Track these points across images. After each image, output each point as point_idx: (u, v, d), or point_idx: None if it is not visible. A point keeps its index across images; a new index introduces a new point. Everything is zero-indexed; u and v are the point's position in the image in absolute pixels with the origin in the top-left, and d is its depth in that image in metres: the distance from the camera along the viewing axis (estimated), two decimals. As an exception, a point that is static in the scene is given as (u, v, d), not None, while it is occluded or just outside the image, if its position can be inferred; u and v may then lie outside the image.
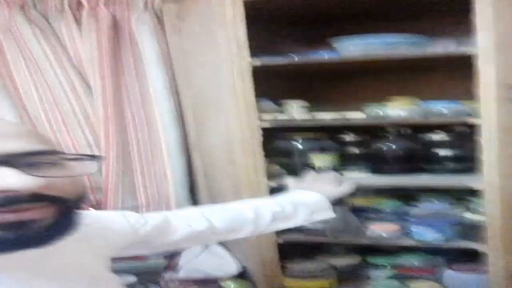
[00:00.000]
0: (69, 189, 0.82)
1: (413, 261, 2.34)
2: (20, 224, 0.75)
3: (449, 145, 2.27)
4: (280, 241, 2.30)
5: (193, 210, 1.62)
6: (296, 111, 2.26)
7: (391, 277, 2.34)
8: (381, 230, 2.26)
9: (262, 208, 1.68)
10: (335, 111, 2.21)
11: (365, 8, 2.23)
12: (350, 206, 2.32)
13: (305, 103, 2.29)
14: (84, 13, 2.32)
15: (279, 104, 2.29)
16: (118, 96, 2.39)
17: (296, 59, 2.16)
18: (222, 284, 2.28)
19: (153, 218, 1.43)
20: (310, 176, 2.00)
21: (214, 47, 2.17)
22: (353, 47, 2.11)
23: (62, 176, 0.81)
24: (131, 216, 1.36)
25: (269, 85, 2.22)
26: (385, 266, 2.38)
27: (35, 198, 0.76)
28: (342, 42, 2.13)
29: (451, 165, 2.26)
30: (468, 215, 2.21)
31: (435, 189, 2.31)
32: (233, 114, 2.17)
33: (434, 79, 2.40)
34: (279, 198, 1.79)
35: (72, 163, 0.85)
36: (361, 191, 2.33)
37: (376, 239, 2.27)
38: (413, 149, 2.32)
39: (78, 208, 0.85)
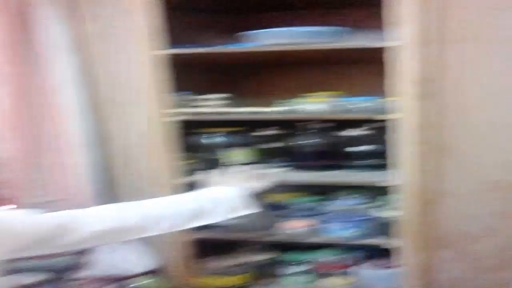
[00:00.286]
0: None
1: (328, 257, 2.36)
2: None
3: (363, 141, 2.27)
4: (195, 238, 2.29)
5: (107, 207, 1.58)
6: (214, 104, 2.23)
7: (305, 273, 2.36)
8: (296, 227, 2.27)
9: (176, 205, 1.68)
10: (256, 105, 2.20)
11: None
12: (267, 203, 2.32)
13: (225, 96, 2.26)
14: None
15: (198, 98, 2.25)
16: (28, 85, 2.31)
17: (212, 49, 2.12)
18: (136, 281, 2.25)
19: (58, 216, 1.40)
20: (228, 171, 2.01)
21: (128, 35, 2.14)
22: (270, 38, 2.07)
23: None
24: (35, 214, 1.34)
25: (190, 78, 2.20)
26: (300, 263, 2.38)
27: None
28: (260, 33, 2.09)
29: (368, 161, 2.27)
30: (381, 211, 2.23)
31: (352, 185, 2.31)
32: (147, 106, 2.13)
33: (352, 74, 2.39)
34: (198, 194, 1.79)
35: None
36: (279, 187, 2.34)
37: (291, 235, 2.27)
38: (328, 145, 2.32)
39: None
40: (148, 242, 2.33)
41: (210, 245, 2.38)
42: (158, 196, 1.76)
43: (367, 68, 2.26)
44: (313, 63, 2.39)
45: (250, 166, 2.21)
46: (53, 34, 2.30)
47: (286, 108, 2.20)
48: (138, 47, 2.10)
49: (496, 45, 2.01)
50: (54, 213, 1.42)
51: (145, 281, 2.28)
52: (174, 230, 1.69)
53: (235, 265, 2.37)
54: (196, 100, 2.25)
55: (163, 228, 1.64)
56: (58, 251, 1.54)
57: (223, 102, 2.27)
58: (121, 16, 2.19)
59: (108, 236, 1.53)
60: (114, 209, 1.56)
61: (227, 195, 1.80)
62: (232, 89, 2.34)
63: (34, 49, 2.32)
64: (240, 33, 2.13)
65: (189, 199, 1.74)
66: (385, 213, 2.20)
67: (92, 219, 1.48)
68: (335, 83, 2.29)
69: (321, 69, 2.42)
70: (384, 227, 2.19)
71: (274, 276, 2.41)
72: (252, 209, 1.86)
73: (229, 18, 2.40)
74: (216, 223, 2.03)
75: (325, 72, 2.42)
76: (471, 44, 2.00)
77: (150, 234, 1.63)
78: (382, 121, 2.06)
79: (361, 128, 2.27)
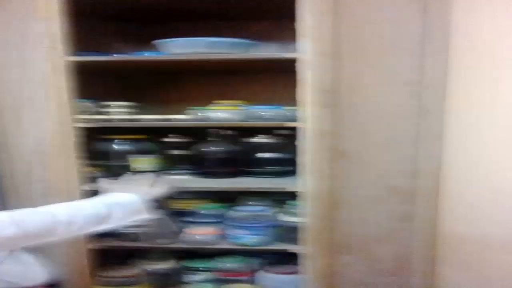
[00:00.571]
0: None
1: (230, 264, 2.35)
2: None
3: (271, 148, 2.31)
4: (93, 247, 2.24)
5: (6, 214, 1.53)
6: (117, 111, 2.21)
7: (208, 281, 2.35)
8: (199, 234, 2.26)
9: (75, 211, 1.67)
10: (161, 113, 2.19)
11: (194, 9, 2.23)
12: (168, 210, 2.29)
13: (129, 104, 2.25)
14: None
15: (102, 105, 2.22)
16: None
17: (116, 57, 2.12)
18: None
19: None
20: (129, 178, 2.02)
21: (28, 41, 2.09)
22: (176, 48, 2.09)
23: None
24: None
25: (94, 85, 2.15)
26: (202, 270, 2.37)
27: None
28: (166, 42, 2.12)
29: (273, 168, 2.31)
30: (287, 218, 2.23)
31: (257, 192, 2.32)
32: (47, 113, 2.07)
33: (261, 83, 2.45)
34: (94, 200, 1.79)
35: None
36: (182, 194, 2.34)
37: (193, 243, 2.26)
38: (236, 152, 2.34)
39: None
40: (48, 252, 2.25)
41: (112, 254, 2.34)
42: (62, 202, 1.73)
43: (274, 78, 2.34)
44: (222, 73, 2.45)
45: (155, 173, 2.19)
46: None
47: (194, 115, 2.21)
48: (41, 54, 2.03)
49: (382, 58, 2.11)
50: None
51: None
52: (70, 236, 1.69)
53: (138, 274, 2.31)
54: (103, 107, 2.22)
55: (60, 234, 1.63)
56: None
57: (130, 109, 2.25)
58: (24, 23, 2.14)
59: (5, 244, 1.54)
60: (12, 216, 1.52)
61: (127, 200, 1.80)
62: (140, 97, 2.34)
63: None
64: (151, 42, 2.13)
65: (86, 205, 1.73)
66: (291, 219, 2.21)
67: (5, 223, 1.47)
68: (244, 92, 2.35)
69: (230, 79, 2.45)
70: (289, 233, 2.20)
71: (178, 284, 2.38)
72: (151, 215, 1.87)
73: (138, 27, 2.42)
74: (117, 231, 2.02)
75: (233, 81, 2.45)
76: (362, 59, 2.09)
77: (48, 240, 1.62)
78: (289, 128, 2.10)
79: (268, 136, 2.30)
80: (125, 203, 1.81)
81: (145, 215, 1.87)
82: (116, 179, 2.04)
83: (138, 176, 2.10)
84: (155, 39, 2.15)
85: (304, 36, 1.94)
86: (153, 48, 2.17)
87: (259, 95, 2.34)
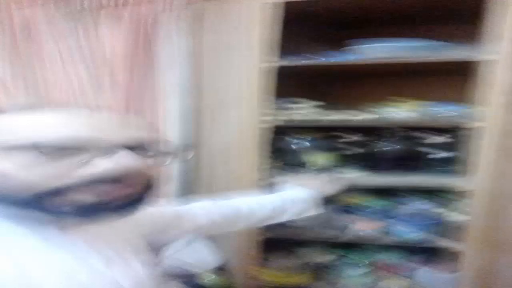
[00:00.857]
0: (145, 176, 1.00)
1: (389, 258, 2.44)
2: (96, 205, 0.93)
3: (445, 148, 2.36)
4: (263, 237, 2.38)
5: (198, 205, 1.72)
6: (307, 111, 2.32)
7: (365, 274, 2.42)
8: (363, 227, 2.35)
9: (255, 205, 1.83)
10: (346, 111, 2.30)
11: (381, 14, 2.35)
12: (337, 204, 2.40)
13: (318, 103, 2.36)
14: (127, 10, 2.40)
15: (292, 104, 2.35)
16: (142, 91, 2.46)
17: (323, 60, 2.25)
18: (202, 277, 2.28)
19: (175, 210, 1.59)
20: (305, 175, 2.15)
21: (243, 47, 2.26)
22: (373, 50, 2.19)
23: (158, 163, 1.02)
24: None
25: (288, 85, 2.29)
26: (361, 264, 2.46)
27: (116, 180, 0.94)
28: (363, 45, 2.21)
29: (443, 166, 2.35)
30: (452, 215, 2.30)
31: (424, 190, 2.40)
32: (248, 111, 2.25)
33: (433, 82, 2.51)
34: (272, 196, 1.94)
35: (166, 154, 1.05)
36: (352, 189, 2.43)
37: (357, 236, 2.34)
38: (408, 150, 2.40)
39: (145, 194, 1.02)
40: (219, 240, 2.39)
41: (277, 243, 2.46)
42: (243, 194, 1.91)
43: (449, 78, 2.39)
44: (402, 73, 2.50)
45: (329, 170, 2.30)
46: (171, 47, 2.44)
47: (373, 115, 2.29)
48: (249, 58, 2.23)
49: None
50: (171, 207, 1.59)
51: (212, 277, 2.33)
52: (250, 227, 1.89)
53: (299, 264, 2.43)
54: (290, 106, 2.35)
55: (241, 225, 1.81)
56: (171, 239, 1.67)
57: (315, 109, 2.36)
58: (237, 30, 2.29)
59: (199, 230, 1.70)
60: (206, 207, 1.71)
61: (301, 197, 1.95)
62: (325, 96, 2.46)
63: (151, 59, 2.47)
64: (343, 46, 2.27)
65: (268, 200, 1.90)
66: (454, 217, 2.28)
67: (192, 215, 1.64)
68: (423, 92, 2.39)
69: (410, 79, 2.53)
70: (451, 231, 2.27)
71: (335, 275, 2.47)
72: (320, 211, 2.02)
73: (331, 32, 2.52)
74: (286, 222, 2.13)
75: (413, 81, 2.53)
76: None
77: (240, 227, 1.82)
78: (462, 129, 2.17)
79: (442, 135, 2.37)
80: (299, 200, 1.94)
81: (315, 212, 2.01)
82: (293, 175, 2.18)
83: (313, 173, 2.23)
84: (343, 43, 2.27)
85: (504, 38, 1.98)
86: (343, 50, 2.28)
87: (437, 95, 2.37)
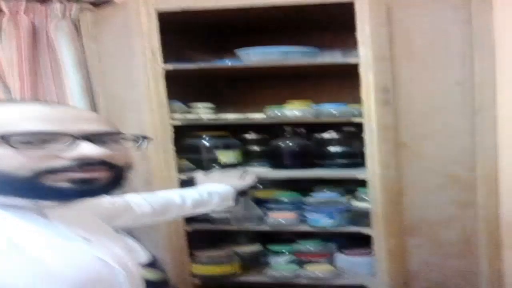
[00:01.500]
0: (123, 160, 1.11)
1: (309, 247, 2.54)
2: (87, 180, 1.04)
3: (338, 142, 2.50)
4: (189, 229, 2.46)
5: (136, 196, 1.86)
6: (203, 111, 2.46)
7: (290, 262, 2.53)
8: (280, 217, 2.45)
9: (186, 196, 1.97)
10: (239, 112, 2.43)
11: (264, 23, 2.47)
12: (252, 198, 2.53)
13: (212, 105, 2.49)
14: (5, 19, 2.44)
15: (188, 106, 2.46)
16: (35, 96, 2.50)
17: (204, 65, 2.39)
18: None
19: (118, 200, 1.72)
20: (217, 171, 2.29)
21: (129, 53, 2.34)
22: (254, 56, 2.35)
23: (120, 150, 1.10)
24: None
25: (181, 89, 2.39)
26: (284, 253, 2.57)
27: (102, 163, 1.05)
28: (245, 51, 2.38)
29: (341, 160, 2.49)
30: (356, 203, 2.42)
31: (328, 181, 2.54)
32: (147, 113, 2.33)
33: (325, 85, 2.67)
34: (198, 188, 2.10)
35: (128, 141, 1.15)
36: (262, 184, 2.58)
37: (276, 225, 2.46)
38: (307, 146, 2.55)
39: (126, 173, 1.13)
40: (144, 234, 2.52)
41: (203, 237, 2.56)
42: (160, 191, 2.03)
43: (338, 79, 2.51)
44: (292, 77, 2.68)
45: (238, 166, 2.45)
46: (59, 53, 2.51)
47: (271, 114, 2.44)
48: (137, 63, 2.33)
49: (434, 60, 2.26)
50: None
51: (147, 272, 2.43)
52: (180, 216, 2.13)
53: (226, 255, 2.51)
54: (190, 107, 2.47)
55: (174, 214, 1.99)
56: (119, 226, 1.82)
57: (214, 110, 2.49)
58: (123, 37, 2.39)
59: (142, 219, 1.86)
60: (144, 197, 1.86)
61: (220, 189, 2.08)
62: (220, 100, 2.59)
63: (42, 65, 2.54)
64: (231, 51, 2.42)
65: (193, 191, 2.04)
66: (361, 204, 2.39)
67: (136, 205, 1.80)
68: (311, 94, 2.56)
69: (299, 83, 2.70)
70: (358, 217, 2.40)
71: (260, 265, 2.58)
72: (237, 202, 2.18)
73: (215, 39, 2.70)
74: (209, 215, 2.30)
75: (302, 85, 2.71)
76: (416, 58, 2.24)
77: (165, 219, 2.01)
78: (354, 124, 2.34)
79: (333, 132, 2.50)
80: (221, 192, 2.08)
81: (233, 203, 2.16)
82: (207, 172, 2.33)
83: (226, 170, 2.37)
84: (231, 49, 2.41)
85: (363, 44, 2.18)
86: (230, 57, 2.44)
87: (325, 96, 2.53)
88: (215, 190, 2.09)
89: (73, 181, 1.02)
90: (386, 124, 2.24)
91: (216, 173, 2.32)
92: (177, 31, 2.33)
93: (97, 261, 1.07)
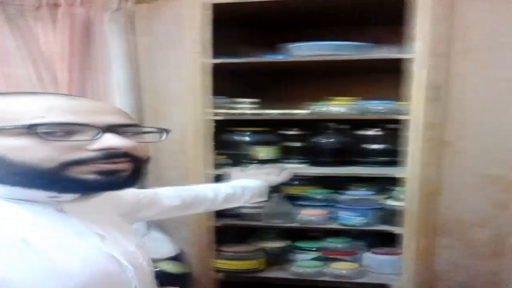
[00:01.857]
0: (143, 151, 1.11)
1: (336, 244, 2.55)
2: (113, 172, 1.03)
3: (378, 140, 2.52)
4: (217, 225, 2.47)
5: (168, 188, 1.84)
6: (246, 107, 2.48)
7: (315, 260, 2.53)
8: (310, 215, 2.47)
9: (219, 190, 1.96)
10: (282, 108, 2.42)
11: (317, 17, 2.49)
12: (286, 194, 2.53)
13: (255, 100, 2.51)
14: (60, 11, 2.45)
15: (232, 101, 2.50)
16: (83, 89, 2.52)
17: (254, 59, 2.40)
18: (159, 265, 2.35)
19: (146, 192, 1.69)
20: (252, 167, 2.29)
21: (179, 46, 2.36)
22: (306, 50, 2.35)
23: (141, 142, 1.10)
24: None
25: (225, 83, 2.40)
26: (311, 250, 2.58)
27: (125, 155, 1.04)
28: (297, 45, 2.37)
29: (378, 158, 2.51)
30: (390, 202, 2.43)
31: (364, 180, 2.55)
32: (191, 107, 2.34)
33: (369, 81, 2.65)
34: (232, 182, 2.08)
35: (147, 134, 1.15)
36: (298, 180, 2.58)
37: (306, 223, 2.47)
38: (346, 143, 2.55)
39: (146, 166, 1.13)
40: (172, 228, 2.50)
41: (232, 232, 2.58)
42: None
43: (383, 76, 2.49)
44: (337, 72, 2.65)
45: (274, 162, 2.45)
46: (111, 46, 2.53)
47: (310, 110, 2.44)
48: (186, 56, 2.34)
49: (493, 54, 2.23)
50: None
51: (168, 264, 2.42)
52: (212, 209, 2.10)
53: (251, 251, 2.53)
54: (232, 103, 2.50)
55: (206, 207, 1.96)
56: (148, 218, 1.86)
57: (255, 105, 2.52)
58: (174, 30, 2.40)
59: (173, 212, 1.82)
60: (176, 190, 1.84)
61: (254, 185, 2.08)
62: (263, 94, 2.60)
63: (93, 59, 2.56)
64: (277, 45, 2.42)
65: (229, 186, 2.03)
66: (394, 203, 2.40)
67: (168, 197, 1.78)
68: (355, 89, 2.54)
69: (343, 78, 2.68)
70: (392, 216, 2.39)
71: (286, 261, 2.59)
72: (269, 198, 2.17)
73: (263, 33, 2.69)
74: (239, 210, 2.27)
75: (346, 80, 2.68)
76: (473, 55, 2.21)
77: (197, 211, 1.96)
78: (394, 122, 2.33)
79: (375, 129, 2.53)
80: (254, 187, 2.07)
81: (266, 198, 2.15)
82: (243, 168, 2.32)
83: (261, 165, 2.35)
84: (276, 44, 2.41)
85: (420, 39, 2.16)
86: (274, 51, 2.45)
87: (369, 92, 2.53)
88: (248, 185, 2.07)
89: (99, 172, 1.02)
90: (433, 122, 2.23)
91: (251, 168, 2.30)
92: (223, 25, 2.32)
93: (107, 258, 1.07)
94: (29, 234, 0.97)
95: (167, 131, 1.17)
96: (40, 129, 0.96)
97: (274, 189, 2.27)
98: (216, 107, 2.37)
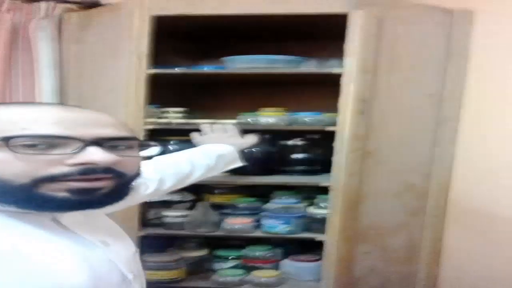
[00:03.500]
0: (131, 166, 1.04)
1: (257, 252, 2.57)
2: (87, 190, 0.96)
3: (302, 149, 2.58)
4: (141, 234, 2.44)
5: (151, 172, 1.80)
6: (174, 116, 2.50)
7: (236, 268, 2.56)
8: (235, 223, 2.49)
9: (195, 163, 1.99)
10: (214, 117, 2.44)
11: (250, 31, 2.52)
12: (210, 203, 2.53)
13: (185, 109, 2.52)
14: (6, 15, 2.45)
15: (162, 110, 2.51)
16: (2, 96, 2.49)
17: (189, 70, 2.46)
18: None
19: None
20: (217, 129, 2.29)
21: (113, 56, 2.38)
22: (240, 63, 2.41)
23: (130, 156, 1.04)
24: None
25: (158, 92, 2.40)
26: (232, 258, 2.60)
27: (107, 170, 0.97)
28: (232, 58, 2.43)
29: (302, 167, 2.58)
30: (315, 210, 2.48)
31: (289, 188, 2.59)
32: (123, 117, 2.32)
33: (300, 93, 2.73)
34: (204, 151, 2.09)
35: (140, 147, 1.09)
36: (223, 189, 2.62)
37: (230, 231, 2.48)
38: (271, 153, 2.59)
39: (133, 182, 1.07)
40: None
41: (157, 241, 2.57)
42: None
43: (312, 88, 2.62)
44: (269, 84, 2.73)
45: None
46: (38, 53, 2.51)
47: (242, 120, 2.48)
48: (121, 66, 2.35)
49: (412, 73, 2.38)
50: None
51: None
52: (188, 183, 2.02)
53: (172, 260, 2.50)
54: (162, 111, 2.50)
55: (197, 177, 1.99)
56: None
57: (186, 114, 2.53)
58: (111, 40, 2.41)
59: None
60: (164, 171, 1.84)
61: (226, 151, 2.12)
62: (194, 104, 2.64)
63: (19, 63, 2.54)
64: (214, 58, 2.50)
65: (202, 156, 2.05)
66: (318, 211, 2.46)
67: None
68: (286, 101, 2.61)
69: (273, 89, 2.73)
70: (316, 223, 2.45)
71: (207, 270, 2.59)
72: (243, 163, 2.21)
73: (202, 45, 2.74)
74: (161, 219, 2.25)
75: (276, 91, 2.74)
76: (394, 73, 2.34)
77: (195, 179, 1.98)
78: (318, 132, 2.45)
79: (302, 138, 2.58)
80: (226, 154, 2.10)
81: (239, 163, 2.18)
82: (203, 132, 2.29)
83: (224, 127, 2.33)
84: (210, 56, 2.51)
85: (351, 55, 2.25)
86: (207, 63, 2.52)
87: (300, 104, 2.61)
88: (221, 153, 2.08)
89: (69, 190, 0.95)
90: (358, 133, 2.31)
91: (212, 133, 2.28)
92: (161, 36, 2.33)
93: (107, 267, 1.04)
94: (23, 245, 0.93)
95: (159, 145, 1.17)
96: (14, 142, 0.91)
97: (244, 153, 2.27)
98: (147, 117, 2.37)
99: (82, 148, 0.95)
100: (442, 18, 2.38)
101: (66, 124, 0.95)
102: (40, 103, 1.06)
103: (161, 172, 1.83)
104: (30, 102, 0.95)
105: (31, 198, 0.93)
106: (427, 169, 2.45)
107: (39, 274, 0.91)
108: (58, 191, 0.94)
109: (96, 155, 0.95)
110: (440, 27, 2.38)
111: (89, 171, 0.95)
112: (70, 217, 1.04)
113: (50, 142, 0.93)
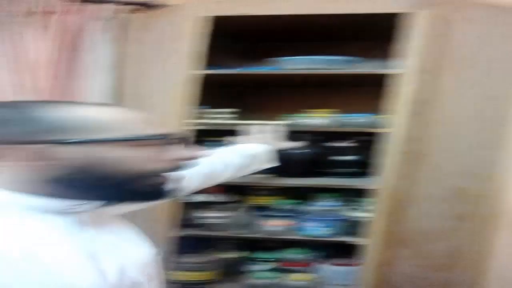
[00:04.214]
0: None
1: (294, 255, 2.55)
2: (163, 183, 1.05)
3: (349, 151, 2.56)
4: (178, 235, 2.43)
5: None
6: (225, 117, 2.50)
7: (272, 271, 2.52)
8: (276, 225, 2.47)
9: (228, 163, 1.95)
10: (263, 118, 2.40)
11: (306, 32, 2.55)
12: (251, 204, 2.48)
13: (235, 110, 2.54)
14: (54, 18, 2.46)
15: (212, 111, 2.51)
16: (64, 97, 2.48)
17: (244, 71, 2.47)
18: None
19: None
20: (255, 130, 2.26)
21: (168, 56, 2.41)
22: (290, 63, 2.40)
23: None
24: None
25: (208, 93, 2.42)
26: (267, 260, 2.56)
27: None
28: (289, 59, 2.41)
29: (347, 169, 2.55)
30: (354, 213, 2.46)
31: (331, 191, 2.55)
32: (173, 117, 2.34)
33: (353, 94, 2.70)
34: (240, 151, 2.06)
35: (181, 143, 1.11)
36: (262, 190, 2.59)
37: (270, 233, 2.47)
38: (315, 155, 2.56)
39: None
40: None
41: (191, 242, 2.51)
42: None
43: (363, 90, 2.58)
44: (319, 85, 2.71)
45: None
46: (99, 54, 2.53)
47: (287, 121, 2.43)
48: (177, 67, 2.37)
49: (479, 72, 2.33)
50: None
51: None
52: (222, 181, 1.99)
53: (207, 261, 2.49)
54: (211, 113, 2.50)
55: (228, 176, 1.96)
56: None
57: (233, 115, 2.53)
58: (167, 40, 2.44)
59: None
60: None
61: (261, 151, 2.11)
62: (243, 105, 2.64)
63: (76, 67, 2.54)
64: (267, 59, 2.47)
65: (235, 155, 2.01)
66: (357, 214, 2.44)
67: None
68: (336, 102, 2.56)
69: (324, 90, 2.69)
70: (354, 227, 2.42)
71: (242, 272, 2.56)
72: (278, 163, 2.20)
73: (256, 47, 2.75)
74: (201, 220, 2.19)
75: (324, 92, 2.70)
76: (460, 72, 2.31)
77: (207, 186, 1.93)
78: (366, 134, 2.36)
79: (348, 141, 2.56)
80: (260, 153, 2.09)
81: (275, 163, 2.17)
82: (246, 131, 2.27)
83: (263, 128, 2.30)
84: (268, 57, 2.47)
85: (412, 55, 2.21)
86: (258, 64, 2.49)
87: (352, 105, 2.53)
88: (254, 152, 2.07)
89: (158, 184, 1.04)
90: (413, 135, 2.27)
91: (254, 133, 2.25)
92: (216, 37, 2.36)
93: (120, 270, 1.02)
94: (35, 246, 0.91)
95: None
96: (131, 143, 0.99)
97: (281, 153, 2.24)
98: (197, 118, 2.38)
99: (167, 146, 1.04)
100: (510, 18, 2.33)
101: (148, 123, 1.03)
102: (101, 104, 1.16)
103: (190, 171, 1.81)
104: (93, 102, 1.00)
105: (126, 191, 1.00)
106: (483, 173, 2.38)
107: (47, 275, 0.89)
108: (148, 184, 1.02)
109: (183, 152, 1.06)
110: (507, 27, 2.33)
111: (181, 166, 1.06)
112: (93, 218, 1.04)
113: (156, 142, 1.02)
